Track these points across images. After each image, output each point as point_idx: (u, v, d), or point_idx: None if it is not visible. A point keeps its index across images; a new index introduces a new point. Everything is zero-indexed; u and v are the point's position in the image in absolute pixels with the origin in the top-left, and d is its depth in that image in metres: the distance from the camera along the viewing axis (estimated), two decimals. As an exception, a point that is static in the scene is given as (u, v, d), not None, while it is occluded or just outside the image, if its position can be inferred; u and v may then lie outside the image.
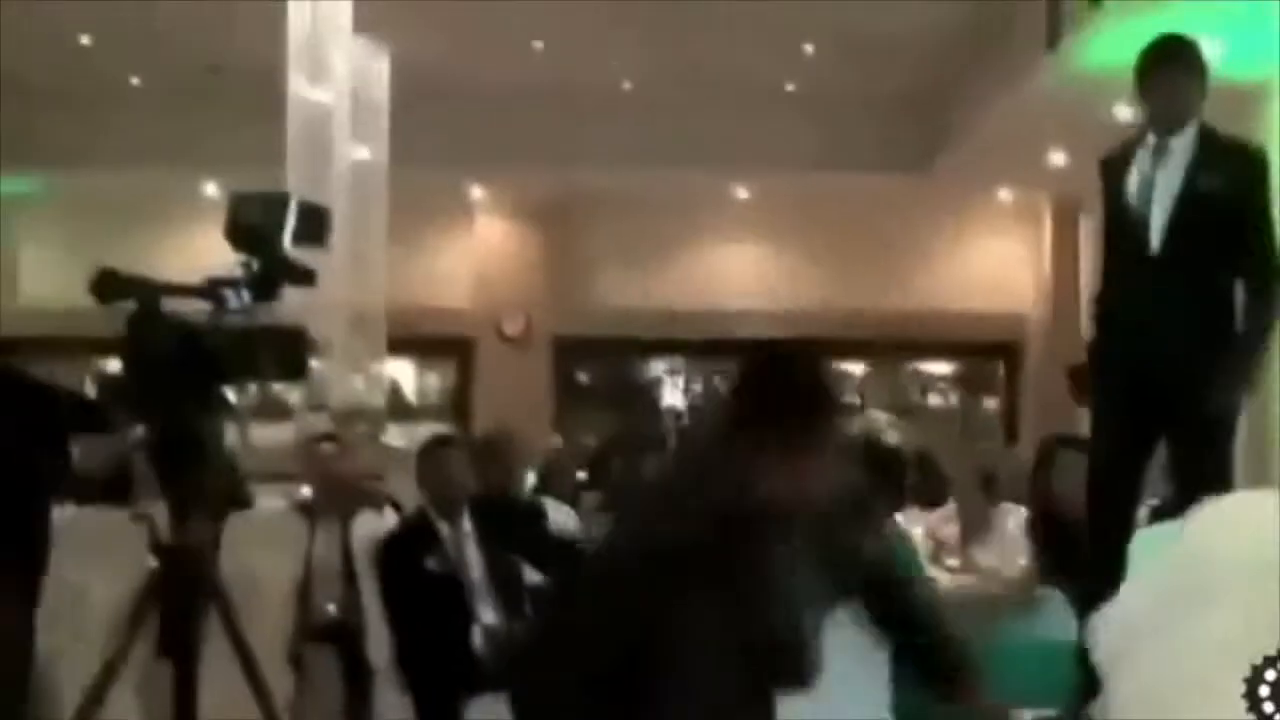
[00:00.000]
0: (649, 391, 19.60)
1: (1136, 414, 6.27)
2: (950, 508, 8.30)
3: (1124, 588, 3.43)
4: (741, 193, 17.63)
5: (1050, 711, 6.11)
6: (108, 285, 4.19)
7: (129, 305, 4.15)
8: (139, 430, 4.28)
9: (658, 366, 19.65)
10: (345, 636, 8.05)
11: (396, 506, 8.89)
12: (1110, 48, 10.61)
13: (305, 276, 4.40)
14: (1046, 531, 7.64)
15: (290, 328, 4.68)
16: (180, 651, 4.18)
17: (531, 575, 7.66)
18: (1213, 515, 3.47)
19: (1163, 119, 6.37)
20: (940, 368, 18.81)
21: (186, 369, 4.09)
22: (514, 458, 9.13)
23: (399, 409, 17.37)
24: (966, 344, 16.77)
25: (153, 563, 4.28)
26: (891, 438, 15.00)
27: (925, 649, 4.06)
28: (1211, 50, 10.17)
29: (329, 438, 9.88)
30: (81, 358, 15.12)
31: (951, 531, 8.05)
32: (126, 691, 5.03)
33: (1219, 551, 3.19)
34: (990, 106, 14.11)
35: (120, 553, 6.25)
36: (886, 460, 7.96)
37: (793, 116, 15.80)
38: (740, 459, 3.65)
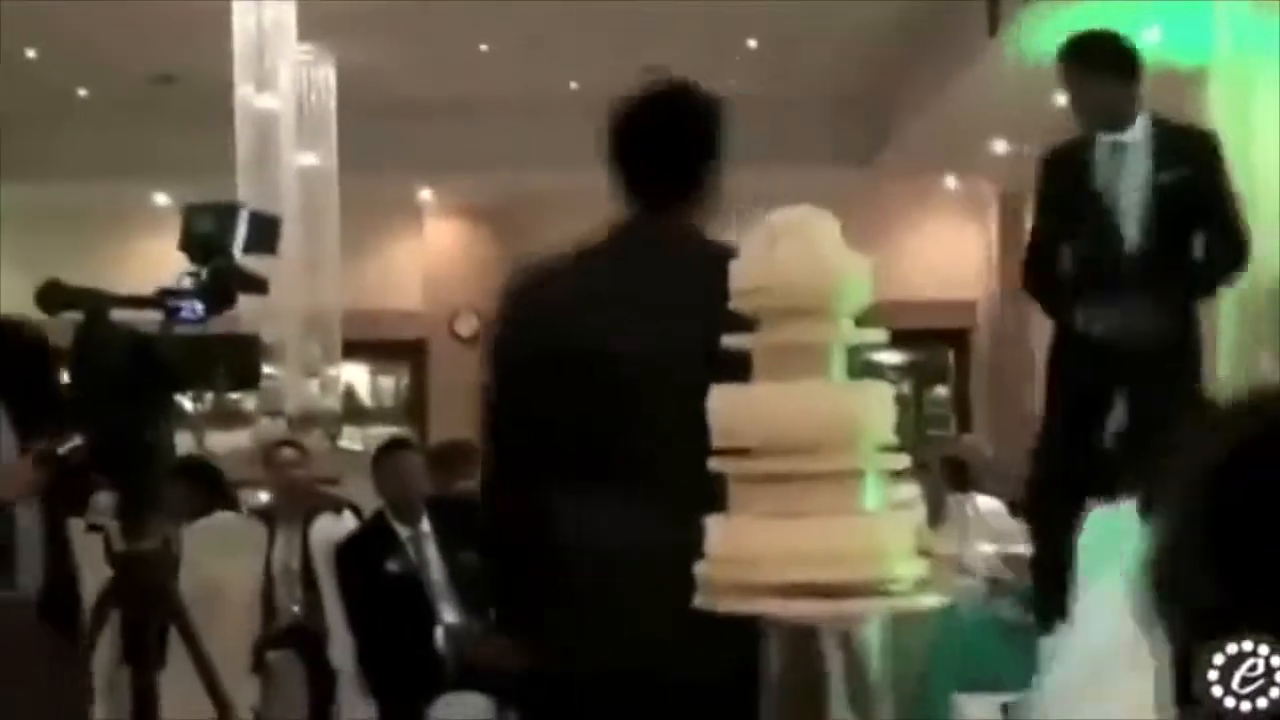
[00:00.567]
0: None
1: (1090, 413, 6.29)
2: (908, 494, 8.34)
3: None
4: (689, 190, 17.60)
5: (1013, 697, 6.15)
6: (53, 296, 4.20)
7: (77, 316, 4.17)
8: (91, 440, 4.28)
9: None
10: (307, 640, 8.06)
11: (355, 510, 8.90)
12: (1051, 35, 10.63)
13: (257, 285, 4.43)
14: None
15: (244, 336, 4.71)
16: (139, 658, 4.20)
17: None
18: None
19: (1094, 120, 6.38)
20: (891, 357, 18.83)
21: (136, 379, 4.10)
22: (471, 458, 9.14)
23: (354, 412, 17.36)
24: (917, 332, 16.76)
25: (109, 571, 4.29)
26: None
27: None
28: (1148, 37, 10.27)
29: (287, 443, 9.89)
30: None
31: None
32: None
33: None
34: (933, 96, 14.13)
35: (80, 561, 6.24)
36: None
37: (738, 113, 15.70)
38: None
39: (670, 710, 3.64)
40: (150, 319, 4.25)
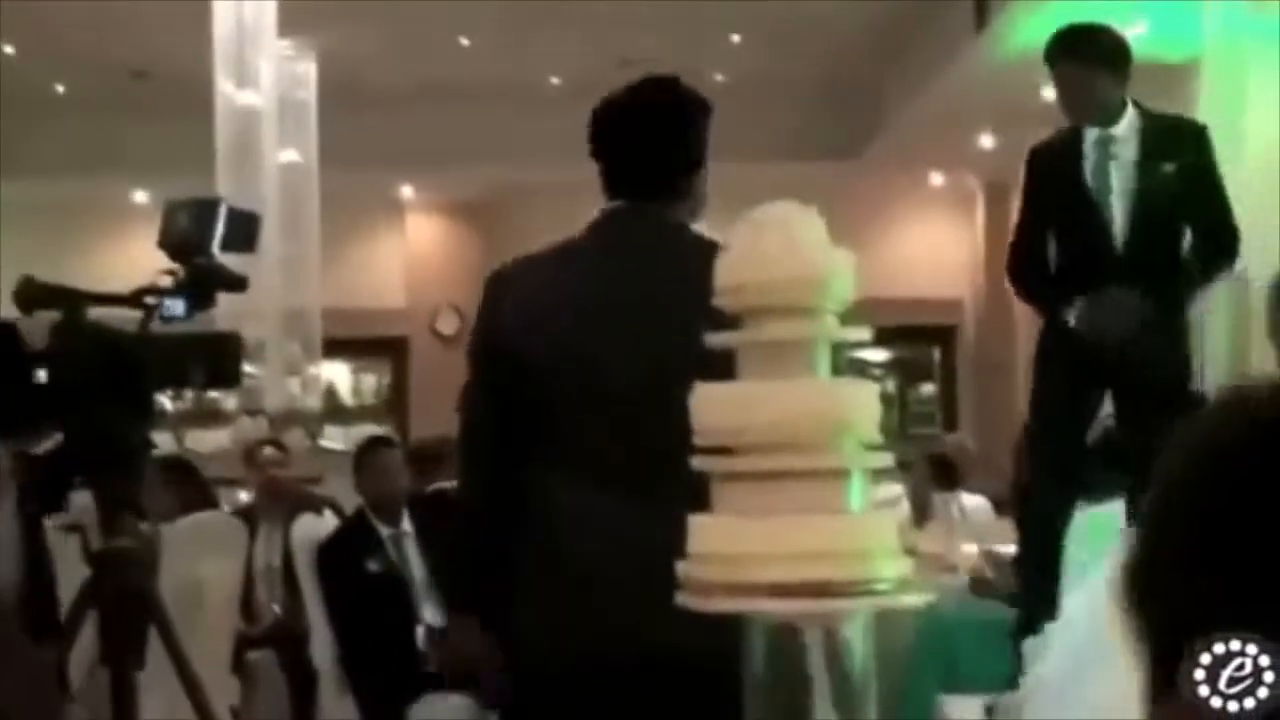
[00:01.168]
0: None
1: (1076, 410, 6.26)
2: (891, 492, 8.34)
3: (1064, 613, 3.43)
4: (673, 185, 17.60)
5: (998, 696, 6.14)
6: (30, 294, 4.18)
7: (54, 315, 4.14)
8: (68, 439, 4.25)
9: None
10: (288, 640, 8.05)
11: (336, 509, 8.89)
12: (1038, 30, 10.63)
13: (236, 283, 4.40)
14: None
15: (223, 334, 4.68)
16: (117, 658, 4.17)
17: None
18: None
19: (1078, 114, 6.37)
20: (876, 354, 18.82)
21: (114, 377, 4.08)
22: (451, 456, 9.12)
23: (334, 410, 17.33)
24: (902, 329, 16.76)
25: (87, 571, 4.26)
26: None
27: None
28: (1136, 31, 10.25)
29: (268, 442, 9.88)
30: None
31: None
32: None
33: None
34: (919, 91, 14.13)
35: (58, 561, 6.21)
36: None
37: (722, 107, 15.66)
38: None
39: (650, 706, 3.62)
40: (129, 317, 4.23)
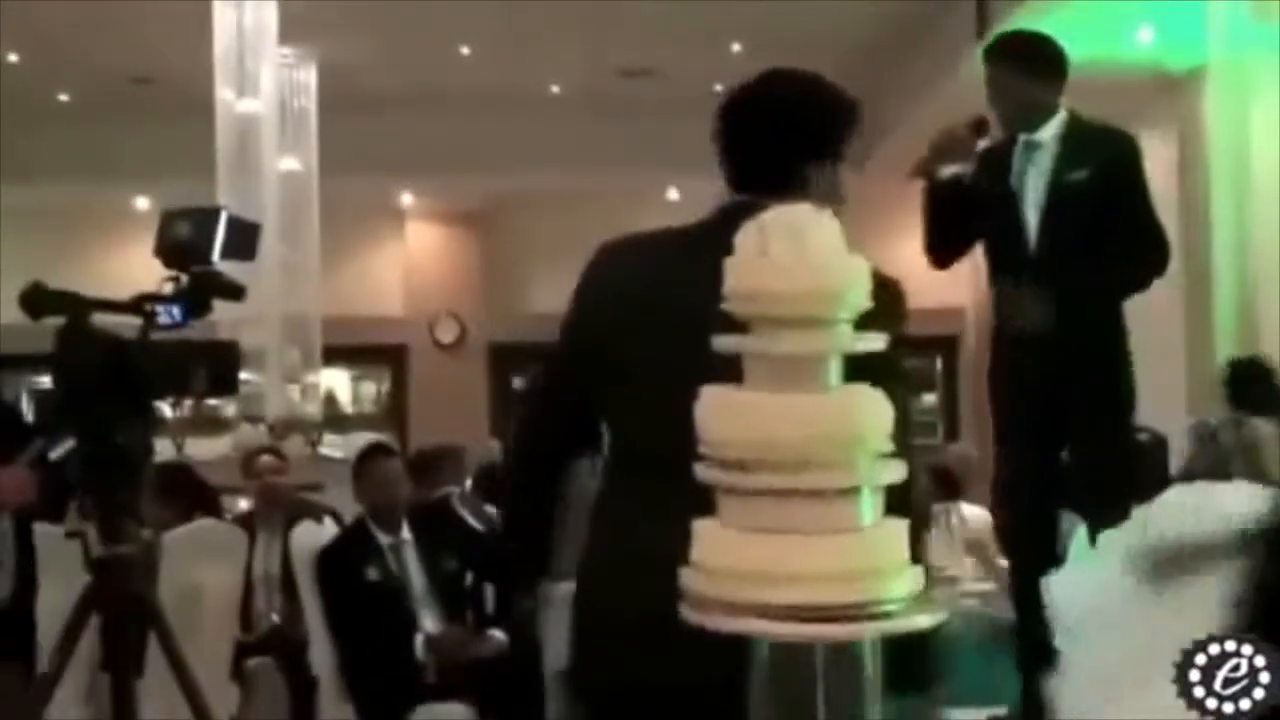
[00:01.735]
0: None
1: (1039, 428, 6.23)
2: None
3: (1087, 564, 3.44)
4: (673, 194, 17.61)
5: (1001, 710, 6.13)
6: (38, 300, 4.19)
7: (59, 320, 4.15)
8: (71, 445, 4.25)
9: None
10: (287, 647, 8.03)
11: (336, 517, 8.87)
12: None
13: (235, 291, 4.40)
14: None
15: (222, 342, 4.70)
16: (118, 664, 4.17)
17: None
18: (1176, 501, 3.50)
19: (1000, 116, 6.40)
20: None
21: (115, 384, 4.09)
22: (450, 464, 9.13)
23: (334, 418, 17.33)
24: (905, 339, 16.69)
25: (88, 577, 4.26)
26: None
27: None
28: (1141, 38, 10.25)
29: (268, 450, 9.87)
30: (12, 373, 15.01)
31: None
32: (71, 706, 5.03)
33: (1188, 535, 3.22)
34: (920, 99, 14.11)
35: (60, 567, 6.21)
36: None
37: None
38: None
39: (661, 716, 3.59)
40: (130, 324, 4.23)
